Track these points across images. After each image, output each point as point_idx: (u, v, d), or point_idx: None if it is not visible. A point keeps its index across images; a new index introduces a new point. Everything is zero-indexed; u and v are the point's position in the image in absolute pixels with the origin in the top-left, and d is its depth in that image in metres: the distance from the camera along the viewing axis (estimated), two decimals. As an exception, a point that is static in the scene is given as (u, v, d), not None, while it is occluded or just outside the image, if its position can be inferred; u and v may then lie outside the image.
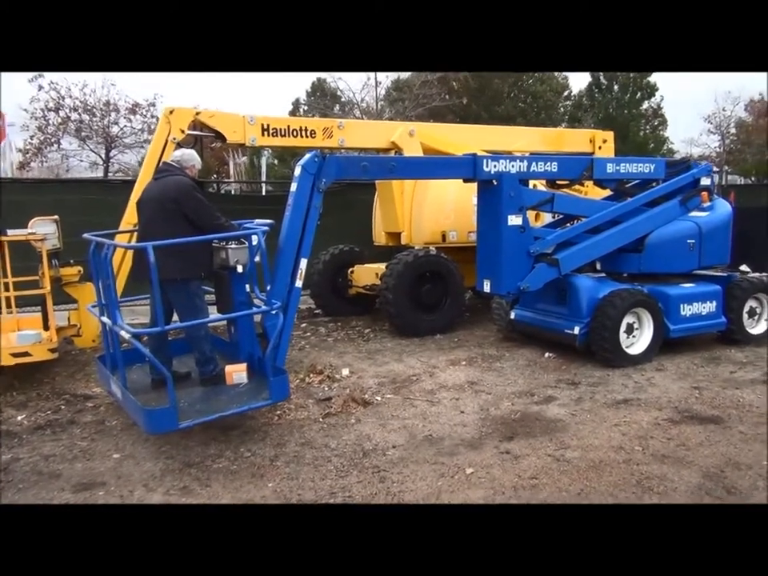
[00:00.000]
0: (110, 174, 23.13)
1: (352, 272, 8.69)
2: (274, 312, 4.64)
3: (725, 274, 6.99)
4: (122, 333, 4.16)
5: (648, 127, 31.68)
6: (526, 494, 3.56)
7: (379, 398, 5.29)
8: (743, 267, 7.51)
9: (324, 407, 5.05)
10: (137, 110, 22.47)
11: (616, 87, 30.70)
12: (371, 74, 22.62)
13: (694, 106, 38.05)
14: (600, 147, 9.50)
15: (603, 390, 5.42)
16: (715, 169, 14.67)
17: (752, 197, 13.80)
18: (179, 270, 4.44)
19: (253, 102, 42.29)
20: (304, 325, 8.25)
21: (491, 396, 5.31)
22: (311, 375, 5.84)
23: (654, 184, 7.03)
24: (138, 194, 5.17)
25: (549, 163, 6.37)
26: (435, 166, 6.37)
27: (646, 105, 31.25)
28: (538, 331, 6.76)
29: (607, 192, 7.31)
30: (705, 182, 7.12)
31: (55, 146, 22.51)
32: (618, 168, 6.78)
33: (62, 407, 5.19)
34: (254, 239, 4.49)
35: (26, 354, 5.54)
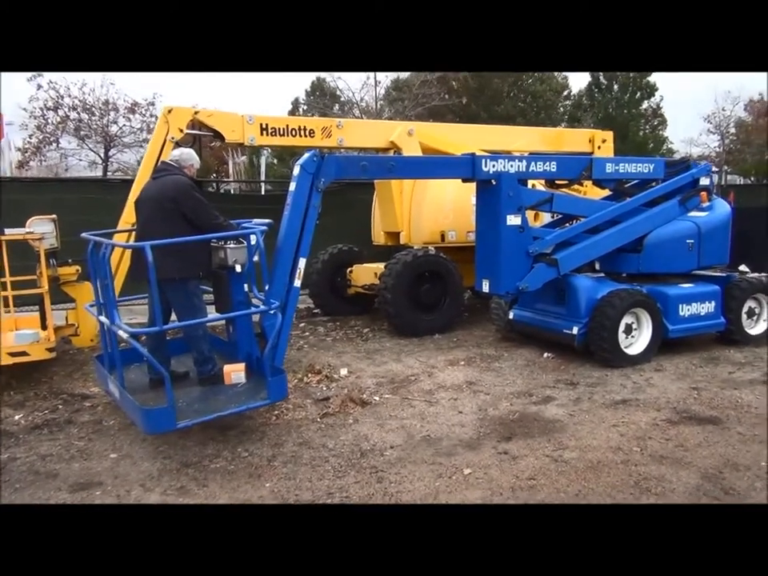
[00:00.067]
0: (108, 174, 23.06)
1: (351, 272, 8.68)
2: (272, 312, 4.64)
3: (724, 275, 6.98)
4: (120, 332, 4.14)
5: (647, 127, 31.64)
6: (524, 495, 3.55)
7: (377, 398, 5.28)
8: (742, 267, 7.51)
9: (322, 407, 5.04)
10: (136, 109, 22.42)
11: (616, 87, 30.68)
12: (371, 74, 22.65)
13: (693, 105, 38.16)
14: (599, 147, 9.50)
15: (602, 391, 5.41)
16: (714, 169, 14.66)
17: (751, 197, 13.80)
18: (177, 270, 4.43)
19: (252, 101, 42.28)
20: (303, 324, 8.25)
21: (489, 396, 5.30)
22: (309, 375, 5.83)
23: (653, 184, 7.02)
24: (137, 194, 5.17)
25: (548, 163, 6.37)
26: (434, 165, 6.37)
27: (645, 105, 31.22)
28: (537, 331, 6.75)
29: (606, 192, 7.30)
30: (704, 181, 7.13)
31: (54, 145, 22.44)
32: (617, 168, 6.78)
33: (60, 407, 5.18)
34: (253, 239, 4.49)
35: (24, 353, 5.54)
